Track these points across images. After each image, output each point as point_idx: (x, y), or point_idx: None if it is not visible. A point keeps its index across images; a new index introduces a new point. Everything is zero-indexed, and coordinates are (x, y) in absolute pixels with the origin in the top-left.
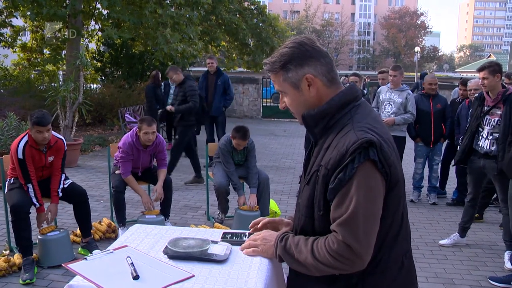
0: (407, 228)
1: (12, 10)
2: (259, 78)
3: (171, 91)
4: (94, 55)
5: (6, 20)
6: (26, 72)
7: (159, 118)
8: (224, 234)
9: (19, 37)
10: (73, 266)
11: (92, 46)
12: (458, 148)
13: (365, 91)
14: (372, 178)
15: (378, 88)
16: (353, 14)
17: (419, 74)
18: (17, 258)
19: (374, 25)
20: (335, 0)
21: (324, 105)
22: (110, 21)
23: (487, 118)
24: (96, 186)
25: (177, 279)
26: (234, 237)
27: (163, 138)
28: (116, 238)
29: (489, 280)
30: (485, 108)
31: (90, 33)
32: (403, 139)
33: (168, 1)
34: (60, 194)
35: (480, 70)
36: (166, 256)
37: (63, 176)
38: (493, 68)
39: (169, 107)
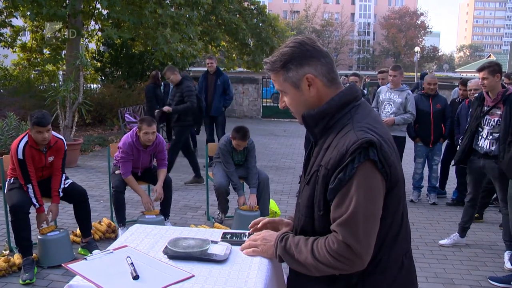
0: (407, 228)
1: (12, 10)
2: (259, 78)
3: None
4: (94, 55)
5: (6, 20)
6: (26, 72)
7: (156, 118)
8: (224, 234)
9: (19, 37)
10: (73, 266)
11: (92, 46)
12: (458, 148)
13: (365, 91)
14: (372, 178)
15: (378, 88)
16: (353, 14)
17: (419, 74)
18: (17, 258)
19: (374, 25)
20: (335, 0)
21: (324, 105)
22: (110, 21)
23: (487, 118)
24: (96, 186)
25: (177, 279)
26: (234, 237)
27: (163, 138)
28: (116, 238)
29: (489, 280)
30: (485, 108)
31: (90, 33)
32: (403, 139)
33: (168, 1)
34: (61, 194)
35: (480, 70)
36: (166, 256)
37: (64, 176)
38: (493, 68)
39: (165, 108)
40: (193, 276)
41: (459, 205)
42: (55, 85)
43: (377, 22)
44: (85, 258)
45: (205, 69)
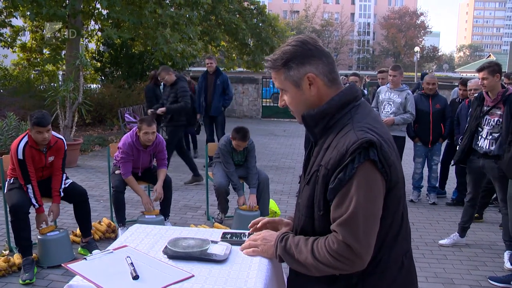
0: (407, 228)
1: (12, 10)
2: (258, 78)
3: None
4: (94, 55)
5: (6, 20)
6: (26, 72)
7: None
8: (224, 234)
9: (18, 37)
10: (72, 266)
11: (92, 46)
12: (457, 148)
13: (365, 91)
14: (372, 178)
15: (377, 88)
16: (352, 14)
17: (419, 74)
18: (16, 258)
19: (374, 25)
20: (334, 0)
21: (324, 105)
22: (109, 21)
23: (486, 118)
24: (96, 186)
25: (176, 279)
26: (234, 237)
27: (162, 138)
28: (115, 238)
29: (489, 280)
30: (485, 108)
31: (89, 33)
32: (402, 139)
33: (167, 1)
34: (62, 194)
35: (479, 70)
36: (165, 256)
37: (64, 176)
38: (493, 68)
39: (160, 110)
40: (193, 276)
41: (459, 205)
42: (55, 85)
43: (377, 22)
44: (85, 258)
45: (205, 69)
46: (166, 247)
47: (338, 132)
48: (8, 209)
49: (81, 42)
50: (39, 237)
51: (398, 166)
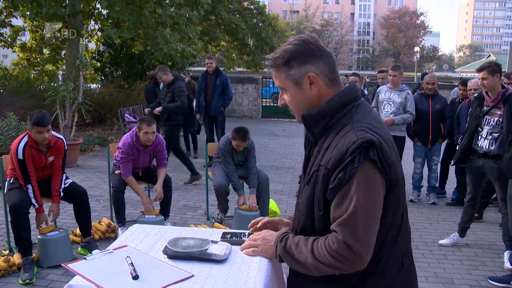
0: (407, 228)
1: (12, 10)
2: (258, 78)
3: None
4: (94, 55)
5: (6, 20)
6: (26, 72)
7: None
8: (224, 234)
9: (18, 37)
10: (72, 266)
11: (92, 46)
12: (457, 148)
13: (365, 91)
14: (372, 178)
15: (377, 88)
16: (352, 14)
17: (419, 74)
18: (16, 258)
19: (374, 25)
20: (334, 0)
21: (324, 105)
22: (109, 21)
23: (486, 118)
24: (96, 186)
25: (176, 279)
26: (234, 237)
27: (162, 138)
28: (115, 238)
29: (489, 280)
30: (485, 108)
31: (89, 33)
32: (402, 139)
33: (167, 1)
34: (62, 194)
35: (479, 70)
36: (165, 256)
37: (64, 175)
38: (493, 68)
39: (156, 110)
40: (192, 276)
41: (458, 205)
42: (55, 85)
43: (377, 22)
44: (85, 258)
45: (205, 69)
46: (166, 247)
47: (338, 132)
48: (8, 209)
49: (81, 42)
50: (39, 237)
51: (398, 166)
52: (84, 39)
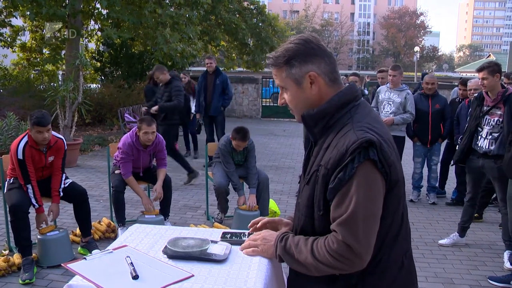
0: (407, 228)
1: (12, 9)
2: (258, 78)
3: None
4: (94, 55)
5: (6, 20)
6: (26, 72)
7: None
8: (224, 234)
9: (18, 37)
10: (72, 266)
11: (92, 46)
12: (457, 148)
13: (365, 91)
14: (372, 178)
15: (377, 88)
16: (352, 14)
17: (419, 74)
18: (16, 258)
19: (374, 25)
20: (334, 0)
21: (324, 105)
22: (109, 21)
23: (486, 118)
24: (96, 186)
25: (176, 278)
26: (234, 237)
27: (162, 138)
28: (115, 238)
29: (489, 280)
30: (485, 108)
31: (89, 33)
32: (402, 138)
33: (167, 1)
34: (61, 193)
35: (479, 70)
36: (165, 255)
37: (64, 175)
38: (492, 68)
39: (152, 109)
40: (192, 275)
41: (458, 204)
42: (55, 85)
43: (377, 22)
44: (85, 258)
45: (205, 69)
46: (166, 247)
47: (338, 131)
48: (8, 209)
49: (81, 42)
50: (38, 237)
51: (398, 166)
52: (84, 39)
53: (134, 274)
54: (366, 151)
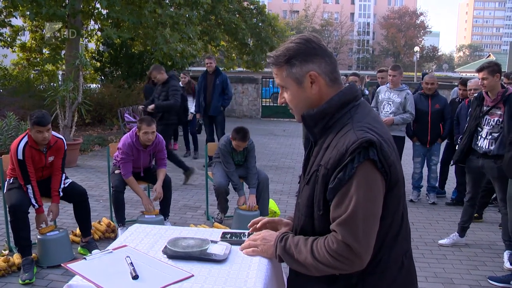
0: (407, 228)
1: (12, 9)
2: (258, 78)
3: None
4: (94, 55)
5: (6, 20)
6: (26, 72)
7: (136, 111)
8: (224, 234)
9: (18, 37)
10: (72, 266)
11: (92, 46)
12: (457, 148)
13: (366, 91)
14: (372, 178)
15: (377, 88)
16: (352, 14)
17: (419, 74)
18: (16, 258)
19: (374, 25)
20: (334, 0)
21: (324, 105)
22: (109, 21)
23: (486, 118)
24: (96, 186)
25: (176, 278)
26: (234, 237)
27: (162, 138)
28: (115, 238)
29: (489, 280)
30: (485, 108)
31: (89, 33)
32: (402, 138)
33: (167, 1)
34: (61, 193)
35: (479, 70)
36: (165, 255)
37: (64, 175)
38: (492, 68)
39: (149, 108)
40: (192, 275)
41: (458, 204)
42: (55, 85)
43: (377, 22)
44: (85, 258)
45: (205, 69)
46: (165, 247)
47: (337, 131)
48: (7, 209)
49: (80, 42)
50: (38, 237)
51: (398, 166)
52: (84, 39)
53: (134, 274)
54: (366, 151)
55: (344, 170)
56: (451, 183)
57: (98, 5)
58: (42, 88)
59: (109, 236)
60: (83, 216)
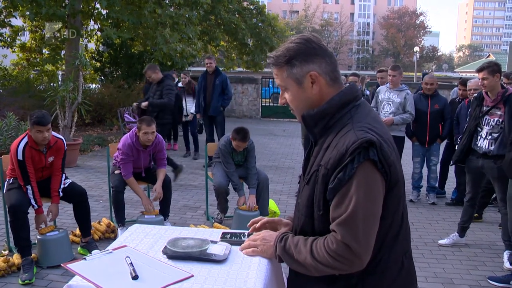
0: (407, 228)
1: (11, 10)
2: (258, 78)
3: None
4: (93, 55)
5: (5, 20)
6: (25, 72)
7: (135, 111)
8: (224, 234)
9: (18, 37)
10: (72, 266)
11: (91, 46)
12: (456, 148)
13: (367, 92)
14: (372, 178)
15: (377, 88)
16: (352, 14)
17: (419, 74)
18: (16, 258)
19: (373, 25)
20: (334, 0)
21: (324, 105)
22: (109, 21)
23: (486, 118)
24: (96, 186)
25: (176, 279)
26: (234, 237)
27: (162, 138)
28: (115, 238)
29: (488, 280)
30: (484, 108)
31: (89, 33)
32: (402, 139)
33: (167, 1)
34: (61, 194)
35: (479, 70)
36: (165, 256)
37: (63, 176)
38: (492, 68)
39: (143, 104)
40: (192, 276)
41: (458, 205)
42: (55, 85)
43: (377, 22)
44: (85, 258)
45: (205, 69)
46: (165, 247)
47: (338, 131)
48: (7, 209)
49: (80, 42)
50: (38, 237)
51: (398, 166)
52: (83, 39)
53: (133, 274)
54: (366, 151)
55: (344, 170)
56: (451, 183)
57: (98, 5)
58: (42, 88)
59: (109, 236)
60: (83, 216)
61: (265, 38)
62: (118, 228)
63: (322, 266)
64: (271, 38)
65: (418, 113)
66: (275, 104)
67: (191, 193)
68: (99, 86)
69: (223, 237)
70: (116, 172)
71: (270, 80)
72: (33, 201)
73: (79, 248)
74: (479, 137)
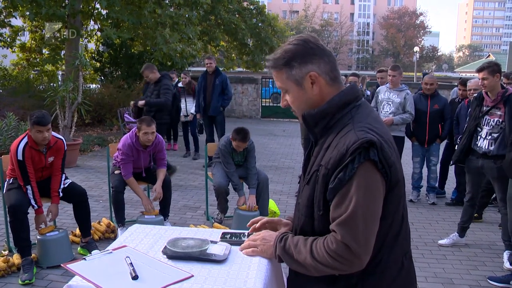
0: (407, 228)
1: (11, 10)
2: (258, 78)
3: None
4: (93, 55)
5: (5, 20)
6: (25, 72)
7: (132, 110)
8: (223, 234)
9: (18, 37)
10: (72, 266)
11: (91, 46)
12: (456, 148)
13: (367, 92)
14: (372, 178)
15: (377, 88)
16: (352, 14)
17: (419, 74)
18: (16, 259)
19: (373, 25)
20: (334, 0)
21: (324, 105)
22: (109, 21)
23: (486, 118)
24: (95, 186)
25: (176, 279)
26: (233, 237)
27: (162, 138)
28: (115, 238)
29: (488, 280)
30: (484, 108)
31: (89, 33)
32: (402, 139)
33: (167, 1)
34: (61, 194)
35: (479, 70)
36: (165, 256)
37: (63, 176)
38: (492, 69)
39: (140, 103)
40: (192, 276)
41: (458, 205)
42: (54, 85)
43: (376, 22)
44: (84, 258)
45: (205, 69)
46: (165, 247)
47: (338, 132)
48: (7, 210)
49: (80, 42)
50: (38, 237)
51: (398, 166)
52: (83, 39)
53: (133, 275)
54: (367, 152)
55: (345, 171)
56: (451, 183)
57: (98, 5)
58: (41, 89)
59: (109, 237)
60: (83, 216)
61: (265, 38)
62: (118, 228)
63: (322, 266)
64: (271, 38)
65: (417, 113)
66: (275, 104)
67: (191, 193)
68: (99, 86)
69: (223, 237)
70: (116, 172)
71: (270, 80)
72: (33, 201)
73: (79, 248)
74: (479, 137)
